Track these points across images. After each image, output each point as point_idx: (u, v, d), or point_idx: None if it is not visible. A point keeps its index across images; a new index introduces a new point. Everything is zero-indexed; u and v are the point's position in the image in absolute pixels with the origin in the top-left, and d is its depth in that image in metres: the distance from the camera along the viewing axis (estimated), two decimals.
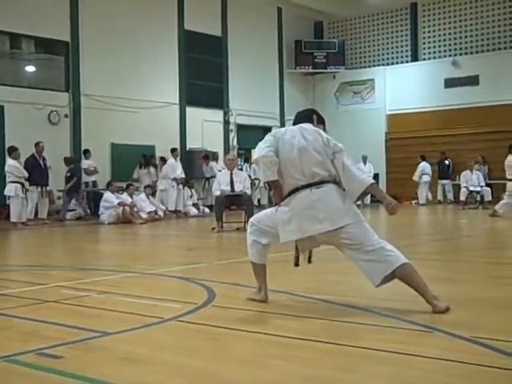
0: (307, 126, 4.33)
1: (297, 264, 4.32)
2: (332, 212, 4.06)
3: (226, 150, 20.97)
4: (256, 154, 4.16)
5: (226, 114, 21.48)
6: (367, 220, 4.31)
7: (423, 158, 20.78)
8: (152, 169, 17.23)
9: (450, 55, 22.66)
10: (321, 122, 4.48)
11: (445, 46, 22.98)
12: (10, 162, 13.27)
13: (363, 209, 16.27)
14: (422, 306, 3.91)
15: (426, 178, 20.65)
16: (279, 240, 4.25)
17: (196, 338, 3.48)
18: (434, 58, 23.08)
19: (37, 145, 13.95)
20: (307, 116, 4.48)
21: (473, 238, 10.03)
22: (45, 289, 5.26)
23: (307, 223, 4.07)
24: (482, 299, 4.43)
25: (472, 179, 17.71)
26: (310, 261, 4.35)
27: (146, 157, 17.30)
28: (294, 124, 4.43)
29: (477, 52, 22.25)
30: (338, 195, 4.12)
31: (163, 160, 16.90)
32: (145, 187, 15.89)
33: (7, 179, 13.26)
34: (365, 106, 23.49)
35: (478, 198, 17.86)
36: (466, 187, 17.66)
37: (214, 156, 19.08)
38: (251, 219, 4.50)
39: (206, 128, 20.58)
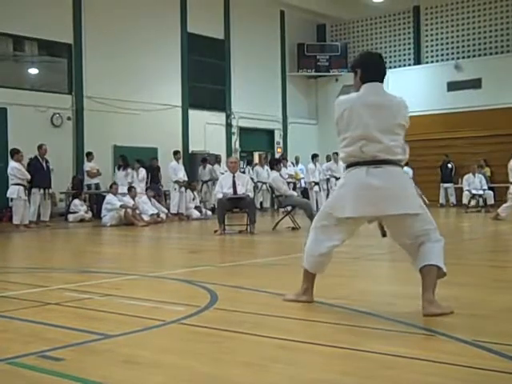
0: (383, 97, 4.14)
1: (384, 235, 4.19)
2: (389, 196, 3.89)
3: (229, 152, 20.98)
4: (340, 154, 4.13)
5: (228, 116, 21.50)
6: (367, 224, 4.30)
7: (406, 163, 20.70)
8: (130, 170, 16.47)
9: (452, 58, 22.67)
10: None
11: (447, 49, 22.99)
12: (12, 164, 13.28)
13: None
14: None
15: None
16: (341, 239, 4.14)
17: (198, 340, 3.46)
18: (437, 61, 23.09)
19: (40, 147, 13.97)
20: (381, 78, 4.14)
21: (475, 241, 10.01)
22: (46, 291, 5.25)
23: (362, 203, 3.90)
24: (484, 303, 4.41)
25: (474, 182, 17.71)
26: (384, 235, 4.20)
27: (125, 158, 16.57)
28: (366, 71, 4.09)
29: (479, 55, 22.26)
30: (399, 178, 4.02)
31: (140, 163, 16.68)
32: (146, 189, 15.88)
33: (10, 181, 13.30)
34: None
35: (481, 202, 17.85)
36: (469, 190, 17.66)
37: (216, 159, 19.10)
38: (313, 222, 4.28)
39: (208, 131, 20.61)
